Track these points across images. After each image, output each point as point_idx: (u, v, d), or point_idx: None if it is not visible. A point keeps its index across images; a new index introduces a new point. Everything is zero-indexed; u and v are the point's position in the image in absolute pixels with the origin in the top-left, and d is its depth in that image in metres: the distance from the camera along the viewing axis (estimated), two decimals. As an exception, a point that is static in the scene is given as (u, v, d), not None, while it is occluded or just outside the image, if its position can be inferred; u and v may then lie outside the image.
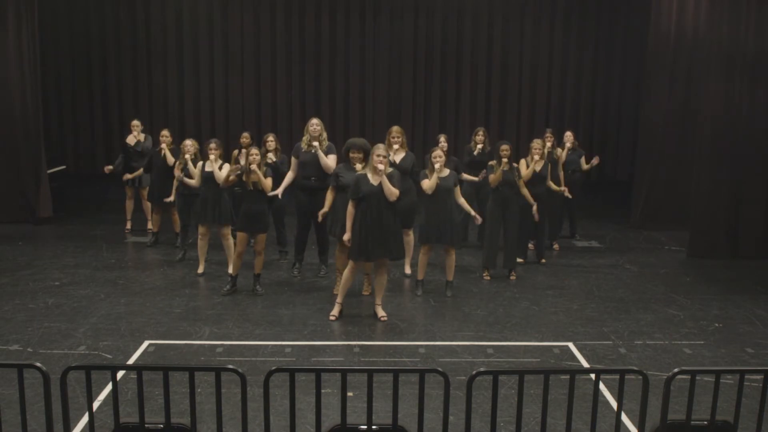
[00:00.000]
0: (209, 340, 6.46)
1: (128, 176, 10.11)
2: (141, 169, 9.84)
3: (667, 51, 10.87)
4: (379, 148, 6.73)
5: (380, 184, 6.66)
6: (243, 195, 7.69)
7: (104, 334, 6.55)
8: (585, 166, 10.29)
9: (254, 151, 7.51)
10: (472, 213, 7.80)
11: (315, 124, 8.04)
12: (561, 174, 9.61)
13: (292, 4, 14.81)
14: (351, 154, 7.33)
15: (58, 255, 9.24)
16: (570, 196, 9.56)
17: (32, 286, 7.95)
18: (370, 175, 6.71)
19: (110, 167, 10.39)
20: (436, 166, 7.39)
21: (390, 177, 6.71)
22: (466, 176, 8.74)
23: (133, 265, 8.94)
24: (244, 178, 7.46)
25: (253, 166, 7.38)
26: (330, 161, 7.96)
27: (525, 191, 8.36)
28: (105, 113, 15.30)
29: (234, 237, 7.89)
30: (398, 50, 14.98)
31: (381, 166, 6.61)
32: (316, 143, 7.94)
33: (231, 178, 7.53)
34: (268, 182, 7.49)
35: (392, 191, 6.66)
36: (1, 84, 10.66)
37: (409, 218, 8.02)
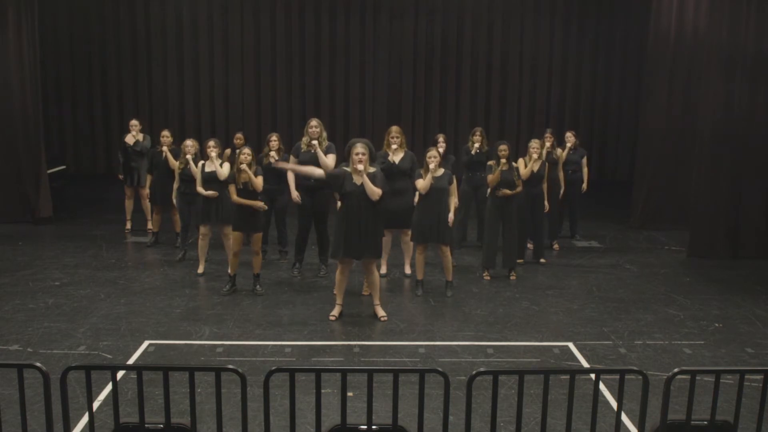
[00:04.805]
0: (209, 340, 6.45)
1: (146, 189, 9.93)
2: (149, 175, 9.70)
3: (667, 51, 10.87)
4: (358, 147, 6.63)
5: (362, 183, 6.64)
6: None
7: (104, 334, 6.55)
8: (585, 177, 10.18)
9: (246, 150, 7.49)
10: (450, 216, 7.63)
11: (314, 126, 8.04)
12: (561, 174, 9.61)
13: (292, 4, 14.83)
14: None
15: (58, 255, 9.24)
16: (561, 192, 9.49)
17: (32, 286, 7.95)
18: (354, 174, 6.71)
19: (121, 176, 10.36)
20: (431, 165, 7.39)
21: (372, 177, 6.66)
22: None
23: (133, 265, 8.94)
24: (236, 177, 7.47)
25: (243, 166, 7.36)
26: (329, 160, 7.96)
27: (520, 188, 8.31)
28: (105, 113, 15.33)
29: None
30: (398, 50, 15.00)
31: (360, 166, 6.57)
32: (315, 142, 7.95)
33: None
34: (258, 181, 7.47)
35: (374, 191, 6.62)
36: (2, 84, 10.66)
37: (409, 218, 8.00)
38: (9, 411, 4.75)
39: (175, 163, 8.98)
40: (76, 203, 12.31)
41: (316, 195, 8.10)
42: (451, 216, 7.62)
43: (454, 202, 7.66)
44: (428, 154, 7.46)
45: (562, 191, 9.69)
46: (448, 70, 15.21)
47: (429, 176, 7.41)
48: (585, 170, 10.15)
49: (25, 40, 10.66)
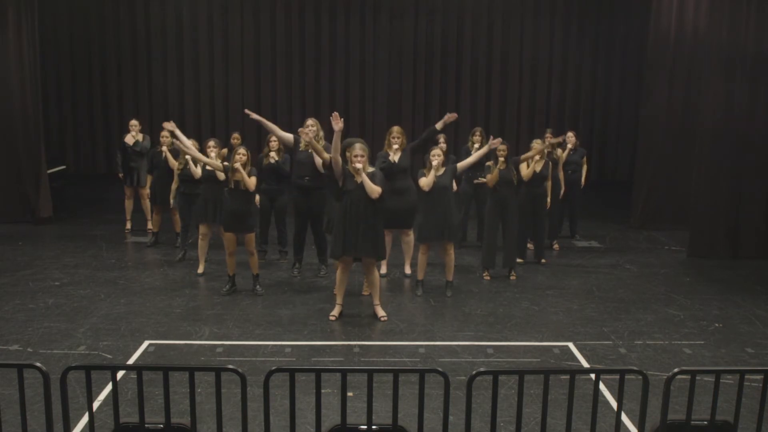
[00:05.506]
0: (209, 340, 6.45)
1: (146, 189, 9.94)
2: (149, 175, 9.74)
3: (667, 51, 10.87)
4: (356, 148, 6.70)
5: (362, 182, 6.67)
6: (228, 194, 7.66)
7: (104, 334, 6.55)
8: (584, 173, 10.22)
9: (242, 150, 7.48)
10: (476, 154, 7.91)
11: (310, 125, 8.04)
12: (561, 174, 9.63)
13: (292, 4, 14.82)
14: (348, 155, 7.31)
15: (58, 255, 9.24)
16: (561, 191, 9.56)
17: (32, 286, 7.95)
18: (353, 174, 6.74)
19: (121, 174, 10.37)
20: (434, 163, 7.40)
21: (372, 176, 6.72)
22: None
23: (133, 265, 8.94)
24: (229, 176, 7.47)
25: (237, 165, 7.36)
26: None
27: (527, 171, 8.50)
28: (105, 113, 15.31)
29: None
30: (398, 50, 14.99)
31: (359, 165, 6.62)
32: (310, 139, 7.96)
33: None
34: (251, 181, 7.47)
35: (373, 189, 6.65)
36: (1, 84, 10.66)
37: (409, 218, 8.01)
38: (9, 411, 4.75)
39: (174, 163, 8.99)
40: (76, 203, 12.31)
41: (311, 195, 8.10)
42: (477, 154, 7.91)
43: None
44: (432, 152, 7.47)
45: (562, 191, 9.71)
46: (448, 70, 15.20)
47: (432, 173, 7.42)
48: (584, 168, 10.17)
49: (25, 40, 10.66)
